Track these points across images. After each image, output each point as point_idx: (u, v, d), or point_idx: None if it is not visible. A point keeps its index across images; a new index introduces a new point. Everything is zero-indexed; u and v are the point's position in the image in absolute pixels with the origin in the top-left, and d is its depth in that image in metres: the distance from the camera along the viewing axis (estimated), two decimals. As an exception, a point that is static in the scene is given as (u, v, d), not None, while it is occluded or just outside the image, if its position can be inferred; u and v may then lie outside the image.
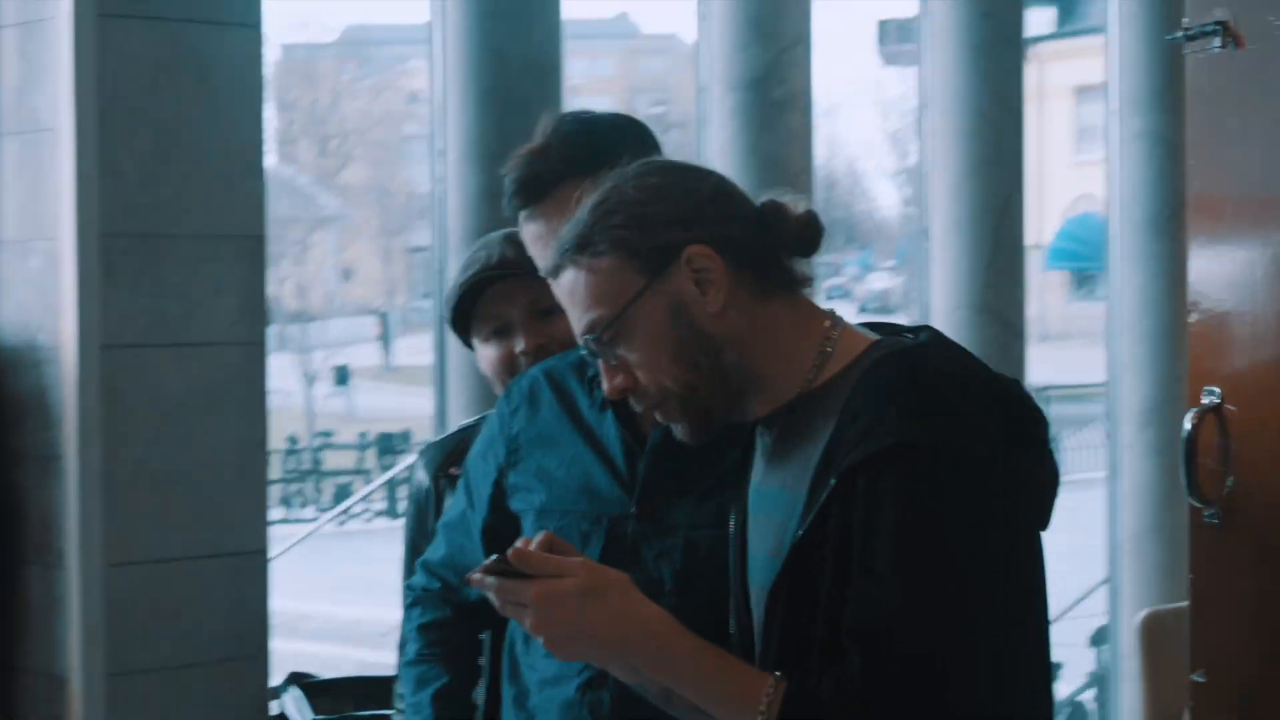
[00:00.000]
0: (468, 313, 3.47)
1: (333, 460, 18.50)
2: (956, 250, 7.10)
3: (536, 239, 2.98)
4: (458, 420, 5.29)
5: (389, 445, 19.13)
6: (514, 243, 3.46)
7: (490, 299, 3.43)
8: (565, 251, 2.45)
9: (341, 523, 17.05)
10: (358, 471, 19.04)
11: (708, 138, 6.48)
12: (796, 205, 2.48)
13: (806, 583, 2.34)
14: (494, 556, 2.37)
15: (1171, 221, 7.61)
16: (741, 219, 2.45)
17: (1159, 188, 7.68)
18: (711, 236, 2.40)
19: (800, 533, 2.33)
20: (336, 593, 13.62)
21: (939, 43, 7.14)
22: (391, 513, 17.76)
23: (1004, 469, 2.29)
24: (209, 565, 4.77)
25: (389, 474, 17.99)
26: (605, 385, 2.46)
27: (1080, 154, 34.83)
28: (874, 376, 2.35)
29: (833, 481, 2.29)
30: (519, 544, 2.37)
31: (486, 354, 3.47)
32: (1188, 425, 3.09)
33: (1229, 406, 3.07)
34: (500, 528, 3.11)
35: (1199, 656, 3.15)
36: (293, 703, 5.08)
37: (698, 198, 2.44)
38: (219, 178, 4.68)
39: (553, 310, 3.33)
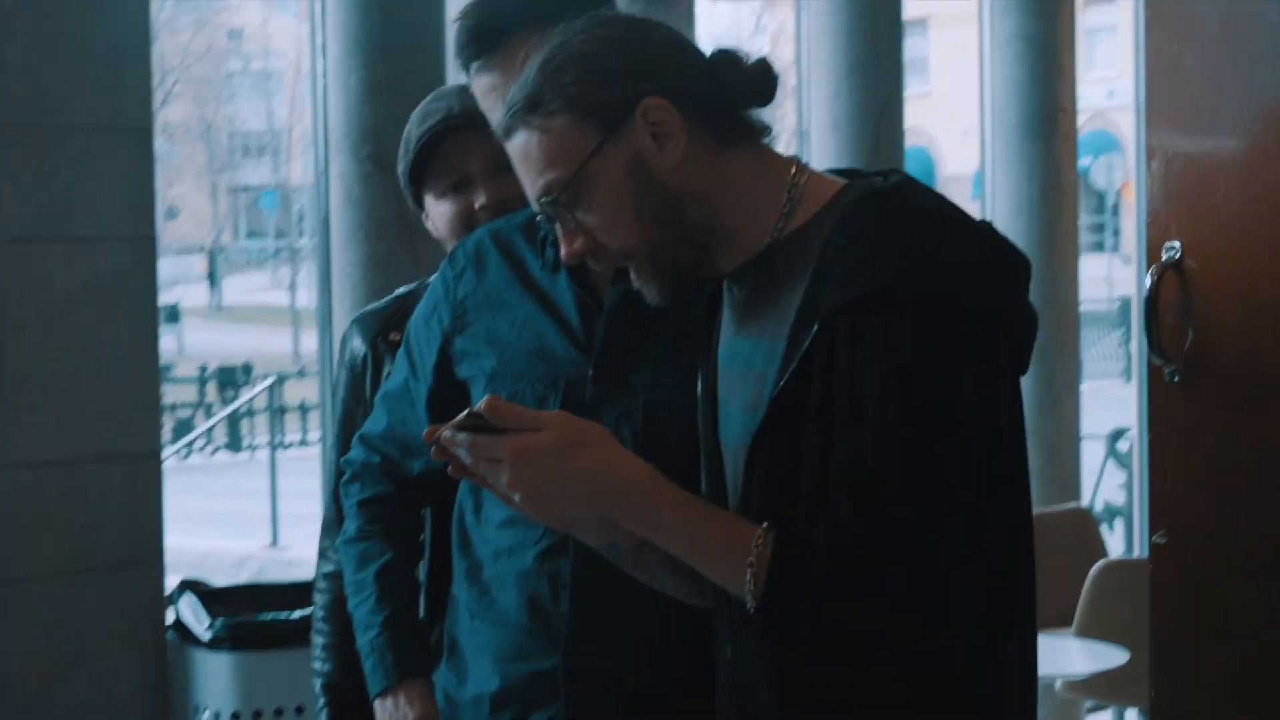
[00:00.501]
0: (423, 167, 3.33)
1: (172, 395, 18.22)
2: (836, 152, 7.06)
3: (489, 91, 2.86)
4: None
5: (230, 379, 18.89)
6: (472, 95, 3.34)
7: (448, 152, 3.28)
8: (515, 112, 2.34)
9: (184, 456, 16.81)
10: (198, 405, 18.78)
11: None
12: (748, 55, 2.40)
13: (789, 433, 2.27)
14: (465, 412, 2.26)
15: (1045, 124, 7.63)
16: (695, 68, 2.36)
17: (1032, 91, 7.69)
18: (666, 88, 2.31)
19: (783, 382, 2.26)
20: (186, 525, 13.40)
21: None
22: (234, 446, 17.58)
23: (986, 313, 2.24)
24: (99, 469, 4.63)
25: (230, 407, 17.79)
26: (563, 250, 2.37)
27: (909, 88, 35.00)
28: (850, 218, 2.28)
29: (815, 328, 2.22)
30: (486, 400, 2.27)
31: (441, 210, 3.32)
32: (1148, 282, 3.04)
33: (1189, 262, 3.02)
34: (446, 397, 2.99)
35: (1158, 518, 3.11)
36: (189, 609, 4.94)
37: (649, 48, 2.35)
38: (105, 68, 4.53)
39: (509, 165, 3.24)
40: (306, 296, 28.93)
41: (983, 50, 7.85)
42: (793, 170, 2.38)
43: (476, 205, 3.25)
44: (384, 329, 3.46)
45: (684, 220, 2.31)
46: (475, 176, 3.26)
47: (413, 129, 3.34)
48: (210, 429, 17.24)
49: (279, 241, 35.12)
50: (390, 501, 3.14)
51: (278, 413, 15.41)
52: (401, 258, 5.24)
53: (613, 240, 2.33)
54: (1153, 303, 2.99)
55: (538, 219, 2.73)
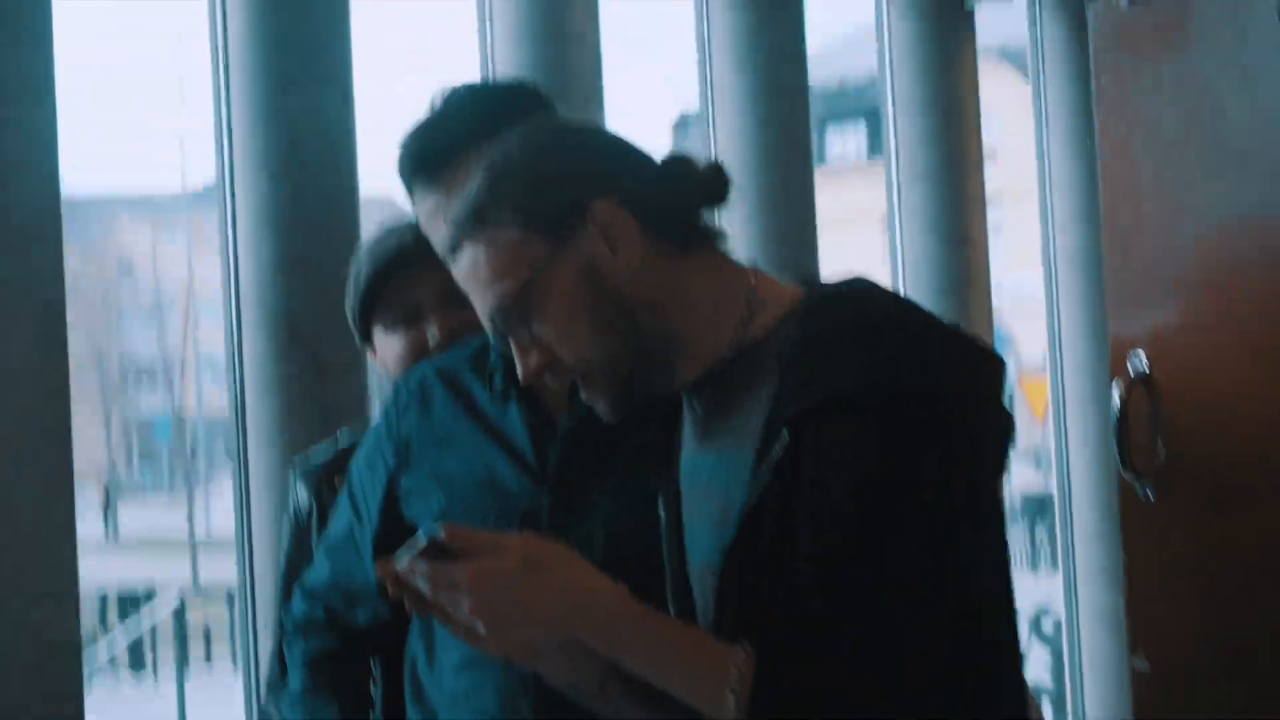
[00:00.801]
0: (372, 302, 3.23)
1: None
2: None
3: (434, 215, 2.76)
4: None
5: (132, 605, 18.51)
6: (418, 229, 3.25)
7: (398, 285, 3.19)
8: (459, 227, 2.25)
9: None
10: (96, 636, 18.36)
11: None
12: (699, 158, 2.33)
13: (762, 548, 2.16)
14: (417, 538, 2.14)
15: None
16: (645, 171, 2.28)
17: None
18: (616, 191, 2.23)
19: (753, 496, 2.16)
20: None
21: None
22: (137, 666, 17.21)
23: (964, 418, 2.15)
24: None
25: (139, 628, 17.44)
26: (520, 368, 2.27)
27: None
28: (811, 322, 2.19)
29: (785, 435, 2.13)
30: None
31: (392, 346, 3.22)
32: (1116, 396, 2.96)
33: (1157, 374, 2.94)
34: (394, 540, 2.84)
35: (1137, 639, 3.01)
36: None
37: (594, 152, 2.28)
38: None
39: (465, 296, 3.14)
40: (204, 525, 28.63)
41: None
42: (750, 278, 2.30)
43: (429, 339, 3.15)
44: (328, 477, 3.33)
45: (639, 329, 2.22)
46: (426, 309, 3.17)
47: (362, 264, 3.25)
48: (112, 657, 16.84)
49: (174, 469, 34.73)
50: (336, 656, 3.00)
51: (181, 635, 15.10)
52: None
53: (569, 352, 2.23)
54: (1123, 419, 2.91)
55: (490, 343, 2.63)
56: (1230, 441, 2.92)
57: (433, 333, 3.15)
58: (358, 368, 5.34)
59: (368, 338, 3.28)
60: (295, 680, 2.99)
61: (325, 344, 5.26)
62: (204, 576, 23.09)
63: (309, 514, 3.33)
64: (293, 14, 5.33)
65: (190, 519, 28.46)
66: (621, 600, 2.15)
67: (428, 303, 3.16)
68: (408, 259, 3.17)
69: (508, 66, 6.01)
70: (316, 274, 5.17)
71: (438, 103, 2.83)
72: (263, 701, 3.41)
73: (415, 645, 2.87)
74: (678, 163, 2.30)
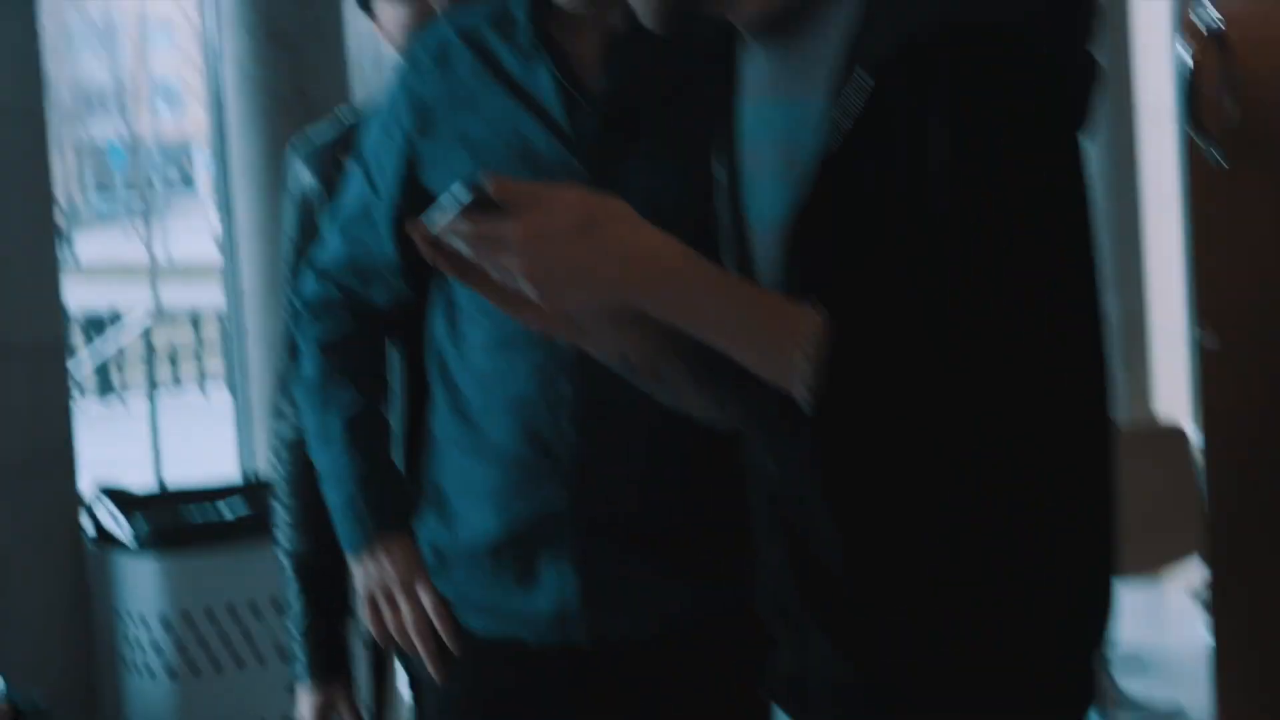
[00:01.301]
0: None
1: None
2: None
3: None
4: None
5: (98, 326, 18.33)
6: None
7: None
8: None
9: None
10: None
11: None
12: None
13: (835, 205, 1.94)
14: (464, 190, 1.90)
15: None
16: None
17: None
18: None
19: (828, 145, 1.92)
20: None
21: None
22: (105, 391, 17.11)
23: (1064, 64, 1.91)
24: (-1, 363, 4.26)
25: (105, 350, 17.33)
26: None
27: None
28: None
29: (869, 81, 1.88)
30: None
31: (394, 14, 2.99)
32: (1188, 54, 2.74)
33: (1231, 32, 2.72)
34: (414, 211, 2.64)
35: (1204, 314, 2.82)
36: (108, 515, 4.55)
37: None
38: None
39: None
40: (164, 250, 28.35)
41: None
42: None
43: (435, 4, 2.92)
44: (334, 154, 3.11)
45: None
46: None
47: None
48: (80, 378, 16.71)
49: (130, 195, 34.41)
50: (354, 339, 2.79)
51: (150, 358, 14.96)
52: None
53: None
54: (1194, 77, 2.70)
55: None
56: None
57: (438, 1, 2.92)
58: (339, 66, 5.18)
59: (367, 4, 3.06)
60: (309, 365, 2.80)
61: (307, 44, 5.09)
62: (166, 301, 22.93)
63: (315, 192, 3.11)
64: None
65: (149, 245, 28.22)
66: (686, 259, 1.93)
67: None
68: None
69: None
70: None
71: None
72: (276, 400, 3.22)
73: (438, 323, 2.67)
74: None
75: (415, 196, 2.62)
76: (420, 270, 2.68)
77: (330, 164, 3.09)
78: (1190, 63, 2.72)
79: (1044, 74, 1.87)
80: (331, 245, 2.76)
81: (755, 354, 1.92)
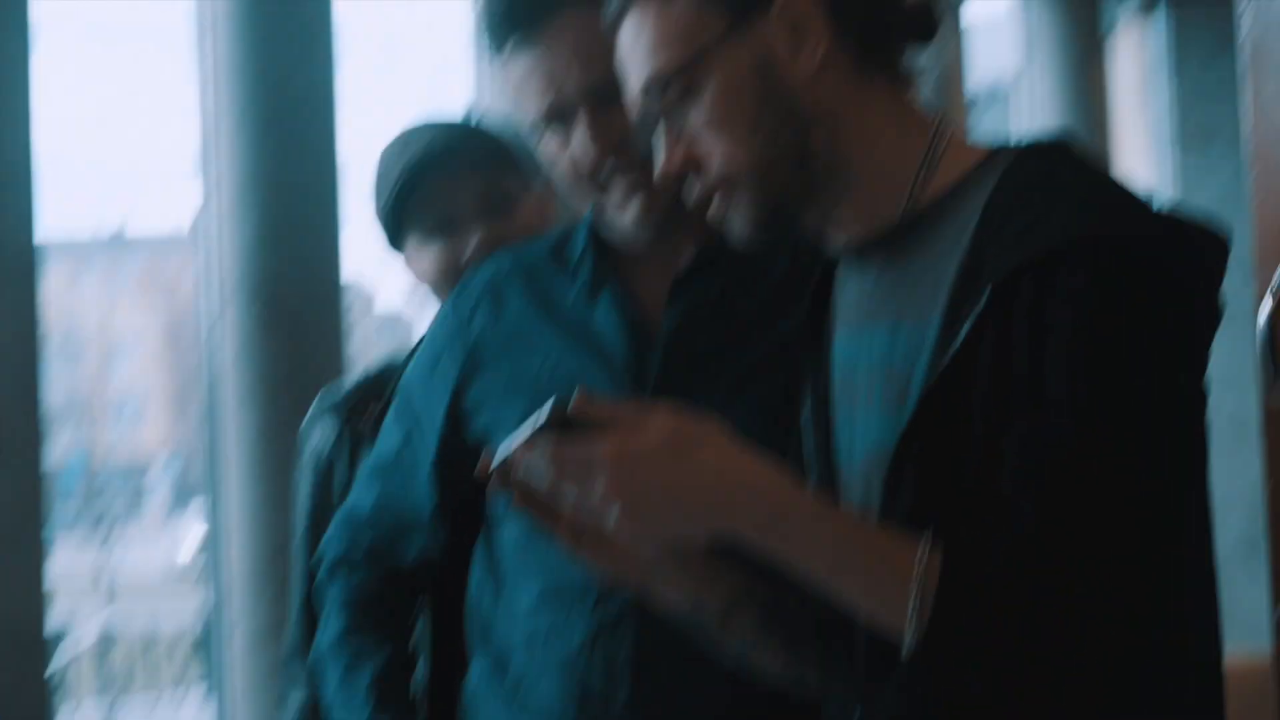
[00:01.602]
0: (403, 205, 2.90)
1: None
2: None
3: (528, 77, 2.40)
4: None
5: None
6: (453, 129, 2.95)
7: (432, 189, 2.88)
8: None
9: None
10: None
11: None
12: None
13: (947, 430, 1.82)
14: (547, 408, 1.79)
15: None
16: None
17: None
18: None
19: (939, 369, 1.82)
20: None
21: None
22: None
23: (1192, 287, 1.82)
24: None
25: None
26: (659, 167, 1.97)
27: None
28: (1022, 171, 1.89)
29: (985, 293, 1.79)
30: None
31: (426, 257, 2.90)
32: (1267, 305, 2.62)
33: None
34: (457, 458, 2.51)
35: (1280, 590, 2.67)
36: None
37: None
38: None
39: (509, 199, 2.84)
40: (118, 567, 28.00)
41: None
42: (936, 125, 1.97)
43: (468, 250, 2.81)
44: (359, 403, 2.98)
45: (806, 144, 1.93)
46: (464, 216, 2.85)
47: (390, 163, 2.90)
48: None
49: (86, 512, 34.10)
50: (381, 594, 2.64)
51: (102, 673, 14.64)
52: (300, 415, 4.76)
53: (721, 148, 1.93)
54: (1273, 329, 2.59)
55: (570, 232, 2.43)
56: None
57: (472, 242, 2.82)
58: (337, 341, 5.11)
59: (398, 246, 2.94)
60: (333, 624, 2.62)
61: (306, 315, 5.02)
62: (119, 618, 22.60)
63: (336, 448, 2.97)
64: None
65: (102, 563, 27.96)
66: (786, 483, 1.81)
67: (467, 208, 2.86)
68: (444, 158, 2.86)
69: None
70: (298, 243, 4.99)
71: None
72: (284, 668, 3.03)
73: (481, 582, 2.53)
74: None
75: (462, 441, 2.49)
76: (459, 523, 2.55)
77: (355, 412, 2.96)
78: (1270, 316, 2.60)
79: (1175, 294, 1.79)
80: (364, 494, 2.62)
81: (858, 587, 1.80)
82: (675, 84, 1.93)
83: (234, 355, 5.03)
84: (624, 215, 2.38)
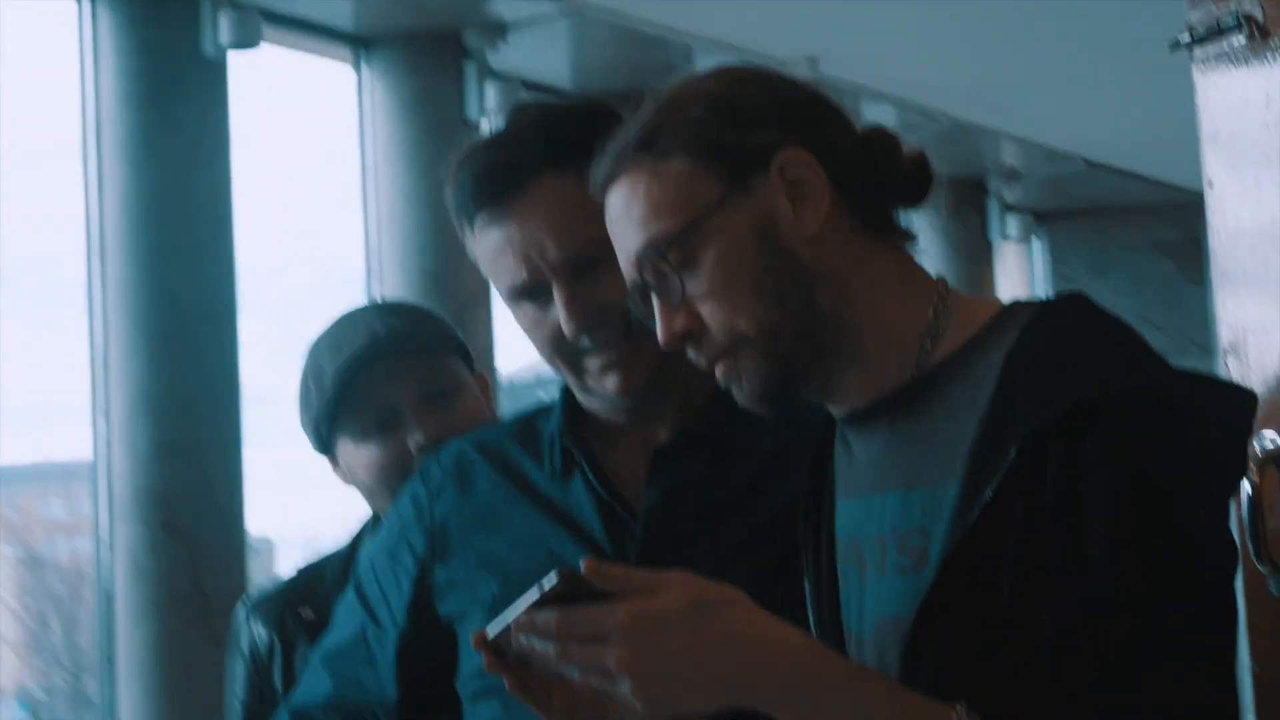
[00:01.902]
0: (339, 406, 2.78)
1: None
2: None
3: (502, 250, 2.31)
4: None
5: None
6: (394, 314, 2.87)
7: (369, 385, 2.77)
8: (621, 155, 1.92)
9: None
10: None
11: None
12: (904, 140, 2.00)
13: (970, 595, 1.76)
14: (555, 577, 1.69)
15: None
16: (847, 133, 1.95)
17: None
18: (811, 141, 1.90)
19: (962, 531, 1.77)
20: None
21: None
22: None
23: (1221, 437, 1.81)
24: None
25: None
26: (661, 332, 1.91)
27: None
28: (1043, 328, 1.86)
29: (1012, 453, 1.74)
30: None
31: (365, 456, 2.79)
32: (1247, 480, 2.56)
33: (1295, 451, 2.54)
34: (424, 643, 2.43)
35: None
36: None
37: (794, 95, 1.95)
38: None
39: (448, 393, 2.75)
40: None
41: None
42: (939, 287, 1.93)
43: (411, 444, 2.72)
44: (290, 605, 2.88)
45: (812, 307, 1.88)
46: (405, 410, 2.75)
47: (324, 361, 2.79)
48: None
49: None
50: None
51: None
52: (196, 633, 4.66)
53: (723, 315, 1.88)
54: (1255, 505, 2.53)
55: (533, 416, 2.42)
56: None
57: (415, 438, 2.73)
58: (237, 557, 4.99)
59: (328, 448, 2.82)
60: None
61: (203, 533, 4.92)
62: None
63: (269, 650, 2.87)
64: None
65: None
66: (814, 652, 1.74)
67: (406, 403, 2.75)
68: (381, 352, 2.75)
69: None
70: (194, 460, 4.90)
71: (510, 120, 2.41)
72: None
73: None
74: (883, 137, 1.95)
75: (428, 625, 2.40)
76: (422, 710, 2.44)
77: (286, 614, 2.86)
78: (1251, 490, 2.54)
79: (1206, 445, 1.77)
80: (315, 683, 2.51)
81: None
82: (672, 251, 1.87)
83: (127, 575, 4.88)
84: (603, 387, 2.30)
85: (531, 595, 1.70)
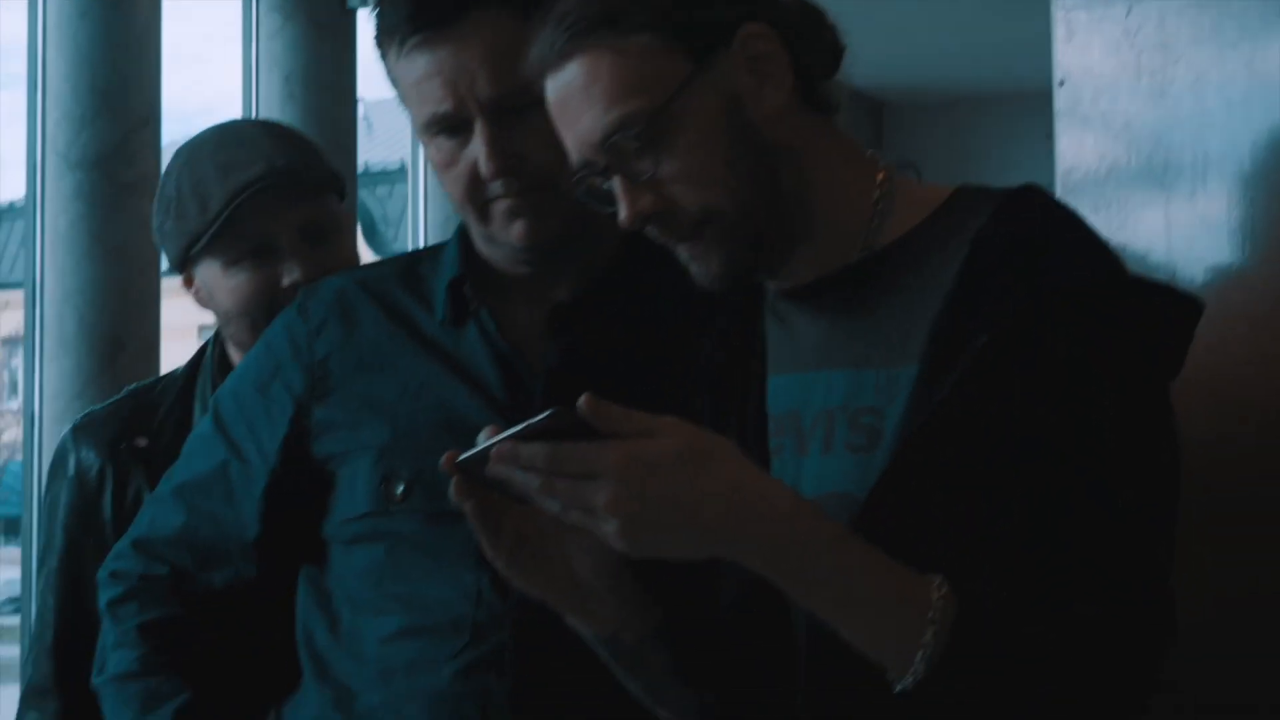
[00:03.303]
0: (218, 233, 2.67)
1: None
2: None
3: (427, 78, 2.21)
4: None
5: None
6: (289, 144, 2.74)
7: (252, 214, 2.66)
8: (581, 28, 1.86)
9: None
10: None
11: (46, 220, 5.97)
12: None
13: (929, 473, 1.78)
14: (547, 412, 1.65)
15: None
16: (792, 6, 1.93)
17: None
18: (769, 15, 1.88)
19: (925, 410, 1.78)
20: None
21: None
22: None
23: (1165, 336, 1.85)
24: None
25: None
26: (625, 211, 1.86)
27: None
28: (1009, 219, 1.86)
29: (983, 338, 1.76)
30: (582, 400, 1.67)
31: (231, 283, 2.69)
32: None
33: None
34: (294, 482, 2.36)
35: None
36: None
37: None
38: None
39: (327, 232, 2.66)
40: None
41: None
42: (880, 168, 1.95)
43: (285, 277, 2.63)
44: (124, 433, 2.77)
45: (777, 184, 1.87)
46: (283, 244, 2.65)
47: (208, 179, 2.67)
48: None
49: None
50: (182, 625, 2.44)
51: None
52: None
53: (696, 194, 1.85)
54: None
55: (412, 261, 2.39)
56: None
57: (292, 274, 2.64)
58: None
59: (185, 266, 2.73)
60: (124, 655, 2.42)
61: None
62: None
63: (99, 477, 2.76)
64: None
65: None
66: (800, 506, 1.72)
67: (286, 237, 2.66)
68: (275, 185, 2.65)
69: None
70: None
71: None
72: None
73: (309, 615, 2.37)
74: (813, 9, 1.94)
75: (301, 464, 2.32)
76: (282, 551, 2.39)
77: (119, 439, 2.76)
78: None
79: (1154, 340, 1.81)
80: (169, 517, 2.42)
81: (865, 616, 1.72)
82: (646, 130, 1.83)
83: None
84: (508, 234, 2.24)
85: (518, 425, 1.66)
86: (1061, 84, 2.69)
